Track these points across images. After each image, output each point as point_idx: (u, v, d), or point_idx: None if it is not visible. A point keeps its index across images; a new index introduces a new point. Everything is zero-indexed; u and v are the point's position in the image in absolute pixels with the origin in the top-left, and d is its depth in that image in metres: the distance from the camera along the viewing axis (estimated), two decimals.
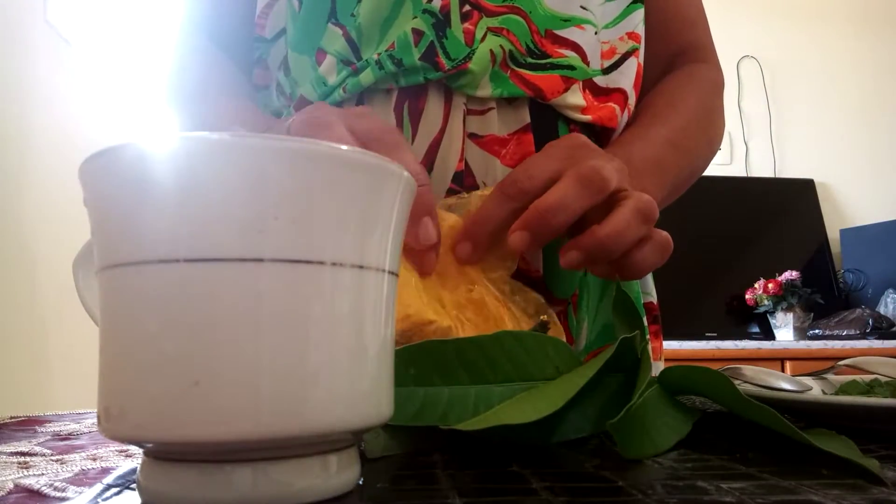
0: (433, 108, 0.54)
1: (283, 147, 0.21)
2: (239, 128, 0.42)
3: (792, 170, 2.79)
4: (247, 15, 0.64)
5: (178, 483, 0.22)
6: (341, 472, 0.24)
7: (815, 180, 2.75)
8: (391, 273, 0.25)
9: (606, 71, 0.59)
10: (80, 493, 0.26)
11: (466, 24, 0.53)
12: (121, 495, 0.26)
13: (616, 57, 0.60)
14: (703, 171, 0.64)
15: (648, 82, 0.64)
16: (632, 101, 0.61)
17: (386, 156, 0.37)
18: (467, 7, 0.54)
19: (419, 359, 0.31)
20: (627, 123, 0.61)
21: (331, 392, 0.22)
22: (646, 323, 0.62)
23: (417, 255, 0.40)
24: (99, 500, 0.25)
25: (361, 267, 0.23)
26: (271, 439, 0.21)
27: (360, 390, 0.23)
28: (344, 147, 0.22)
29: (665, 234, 0.44)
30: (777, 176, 2.78)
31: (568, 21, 0.56)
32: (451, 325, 0.38)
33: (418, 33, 0.53)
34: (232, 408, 0.20)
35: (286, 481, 0.22)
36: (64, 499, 0.25)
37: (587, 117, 0.56)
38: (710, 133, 0.64)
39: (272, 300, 0.21)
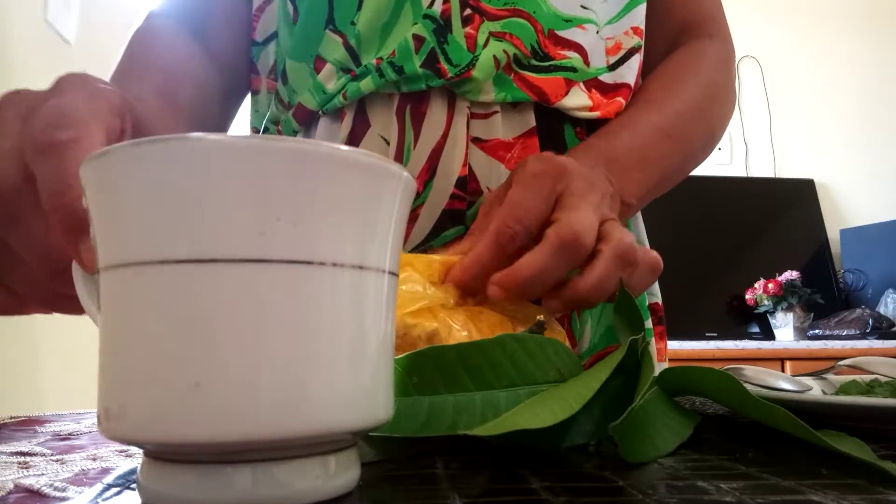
0: (436, 112, 0.53)
1: (284, 148, 0.21)
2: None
3: (792, 170, 2.79)
4: (236, 17, 0.63)
5: (178, 483, 0.22)
6: (341, 473, 0.24)
7: (815, 180, 2.75)
8: (391, 273, 0.25)
9: (612, 67, 0.58)
10: (80, 493, 0.26)
11: (468, 29, 0.52)
12: (121, 495, 0.26)
13: (622, 52, 0.58)
14: (701, 160, 0.62)
15: (653, 62, 0.62)
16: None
17: (57, 164, 0.29)
18: (468, 11, 0.53)
19: (421, 366, 0.31)
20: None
21: (331, 393, 0.22)
22: (651, 324, 0.62)
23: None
24: (99, 500, 0.25)
25: (362, 268, 0.23)
26: (272, 440, 0.21)
27: (361, 391, 0.23)
28: (344, 148, 0.22)
29: (652, 256, 0.44)
30: (777, 176, 2.78)
31: (569, 21, 0.55)
32: (437, 328, 0.38)
33: (419, 39, 0.52)
34: (232, 408, 0.20)
35: (286, 482, 0.22)
36: (64, 499, 0.25)
37: (595, 114, 0.55)
38: (710, 118, 0.61)
39: (273, 301, 0.21)
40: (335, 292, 0.22)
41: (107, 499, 0.25)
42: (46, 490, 0.26)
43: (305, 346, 0.21)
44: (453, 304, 0.41)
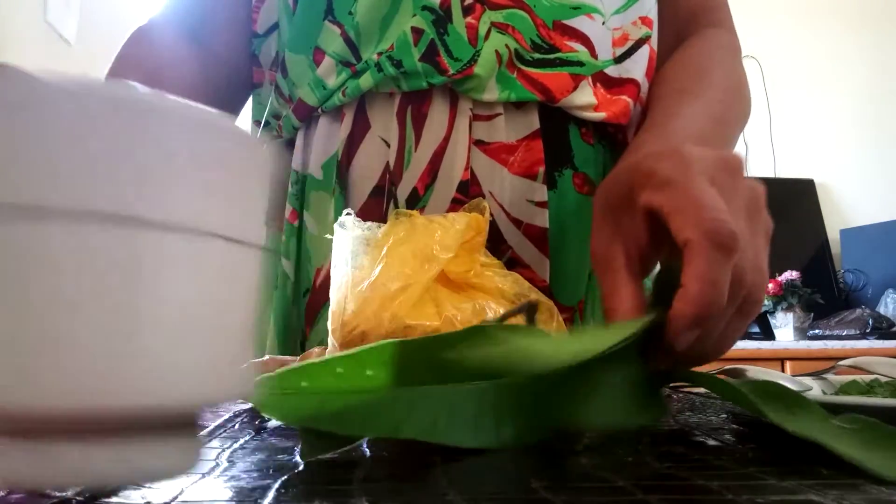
0: (437, 113, 0.52)
1: (134, 99, 0.19)
2: None
3: (792, 170, 2.79)
4: (237, 14, 0.63)
5: (5, 461, 0.20)
6: (178, 453, 0.22)
7: (815, 180, 2.75)
8: (258, 247, 0.23)
9: (619, 60, 0.56)
10: None
11: (469, 19, 0.51)
12: None
13: (629, 44, 0.57)
14: (737, 143, 0.59)
15: (661, 49, 0.61)
16: (644, 90, 0.58)
17: None
18: (469, 0, 0.52)
19: (376, 360, 0.29)
20: (645, 107, 0.58)
21: (168, 366, 0.20)
22: None
23: None
24: None
25: (226, 238, 0.21)
26: (101, 412, 0.19)
27: (204, 366, 0.21)
28: (212, 111, 0.21)
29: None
30: (777, 176, 2.78)
31: (578, 9, 0.54)
32: (438, 327, 0.37)
33: (418, 32, 0.51)
34: (62, 378, 0.18)
35: (121, 459, 0.20)
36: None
37: (600, 115, 0.54)
38: (742, 102, 0.59)
39: (104, 262, 0.19)
40: (165, 258, 0.20)
41: None
42: None
43: (146, 315, 0.19)
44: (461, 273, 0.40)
